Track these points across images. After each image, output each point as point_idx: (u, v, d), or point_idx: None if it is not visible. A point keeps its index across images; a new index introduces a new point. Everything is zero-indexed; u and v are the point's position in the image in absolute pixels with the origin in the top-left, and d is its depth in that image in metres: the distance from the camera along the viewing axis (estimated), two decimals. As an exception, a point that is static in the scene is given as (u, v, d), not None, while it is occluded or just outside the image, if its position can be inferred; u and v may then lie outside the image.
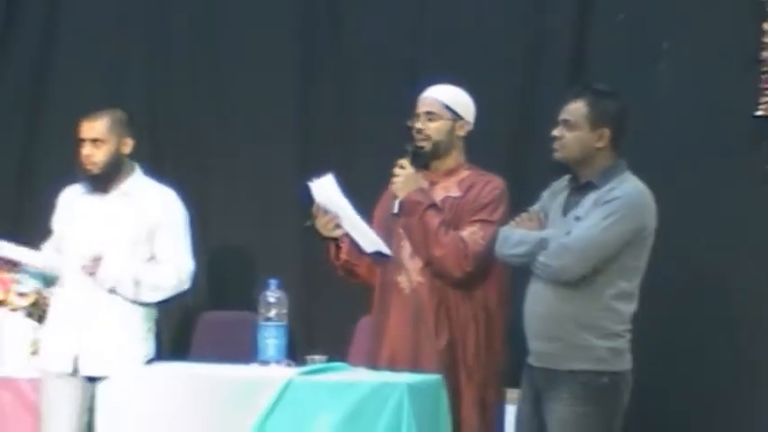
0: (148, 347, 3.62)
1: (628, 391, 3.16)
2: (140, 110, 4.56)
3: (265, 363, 3.21)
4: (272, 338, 3.23)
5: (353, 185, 3.40)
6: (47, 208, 3.90)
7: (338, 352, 3.45)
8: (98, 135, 3.55)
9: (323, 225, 3.31)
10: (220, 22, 4.86)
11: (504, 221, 3.17)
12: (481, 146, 3.36)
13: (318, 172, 3.35)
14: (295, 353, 3.35)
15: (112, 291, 3.52)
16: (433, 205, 3.20)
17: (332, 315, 3.98)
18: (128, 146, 3.61)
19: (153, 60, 4.97)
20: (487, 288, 3.28)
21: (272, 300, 3.24)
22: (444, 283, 3.23)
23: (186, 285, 3.65)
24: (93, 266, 3.49)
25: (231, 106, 4.75)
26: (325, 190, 3.27)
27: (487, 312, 3.27)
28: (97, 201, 3.61)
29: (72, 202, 3.71)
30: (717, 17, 4.07)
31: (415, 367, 3.18)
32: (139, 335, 3.61)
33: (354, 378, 3.22)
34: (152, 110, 4.82)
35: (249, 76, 4.68)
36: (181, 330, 4.36)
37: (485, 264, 3.19)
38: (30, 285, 3.92)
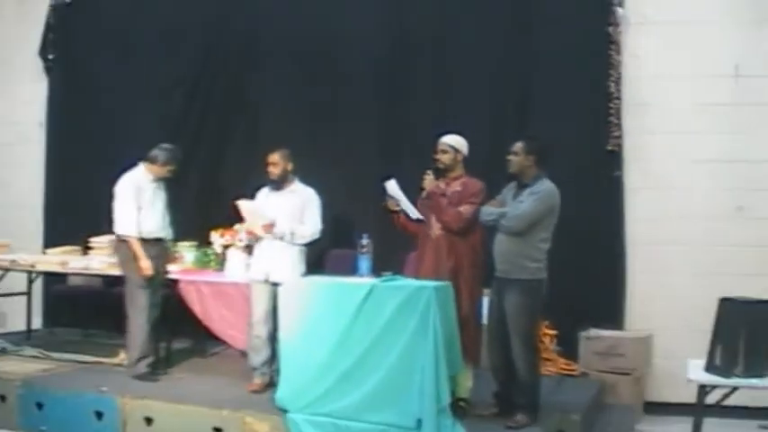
0: (302, 267, 6.75)
1: (544, 290, 5.79)
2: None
3: (361, 276, 6.04)
4: (364, 263, 6.16)
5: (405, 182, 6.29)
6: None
7: (398, 270, 6.26)
8: (275, 161, 6.76)
9: (390, 205, 6.24)
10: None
11: (483, 203, 5.94)
12: (476, 165, 6.30)
13: (389, 175, 6.29)
14: (376, 271, 6.15)
15: (281, 238, 6.67)
16: (443, 195, 6.06)
17: (395, 251, 6.79)
18: (290, 166, 6.79)
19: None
20: (473, 236, 6.07)
21: (364, 243, 6.16)
22: (451, 233, 6.02)
23: (318, 236, 6.78)
24: (269, 227, 6.63)
25: (338, 125, 8.10)
26: (392, 187, 6.19)
27: (474, 249, 6.08)
28: (277, 195, 6.80)
29: (263, 195, 6.89)
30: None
31: (437, 277, 5.87)
32: (297, 260, 6.78)
33: (407, 282, 5.79)
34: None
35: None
36: (320, 258, 7.54)
37: (471, 224, 6.00)
38: (245, 237, 7.28)
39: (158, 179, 7.27)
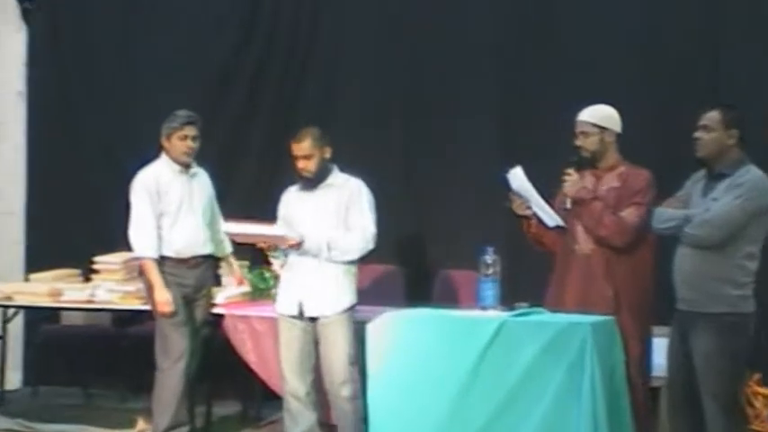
0: (351, 294, 7.06)
1: (752, 328, 5.86)
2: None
3: (484, 308, 6.18)
4: (490, 290, 6.23)
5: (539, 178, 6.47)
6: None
7: (538, 300, 6.35)
8: (307, 151, 7.01)
9: (517, 206, 6.46)
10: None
11: (652, 203, 6.09)
12: (640, 147, 6.50)
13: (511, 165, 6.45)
14: (505, 300, 6.25)
15: (315, 257, 6.94)
16: (596, 198, 6.22)
17: (532, 272, 6.91)
18: (328, 152, 7.06)
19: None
20: (641, 252, 6.26)
21: (489, 261, 6.22)
22: (609, 250, 6.20)
23: (372, 246, 7.02)
24: (298, 244, 6.91)
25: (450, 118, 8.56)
26: (518, 179, 6.38)
27: (642, 271, 6.26)
28: (307, 195, 7.08)
29: (290, 199, 7.17)
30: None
31: (585, 309, 6.02)
32: (343, 285, 7.04)
33: (551, 319, 5.97)
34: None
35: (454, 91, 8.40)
36: (426, 282, 7.97)
37: (639, 234, 6.16)
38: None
39: (186, 167, 7.62)
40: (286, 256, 7.16)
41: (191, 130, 7.50)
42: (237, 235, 7.30)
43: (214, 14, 9.89)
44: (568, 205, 6.36)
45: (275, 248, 7.22)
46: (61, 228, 10.00)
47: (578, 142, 6.39)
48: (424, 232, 8.59)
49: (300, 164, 7.03)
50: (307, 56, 9.54)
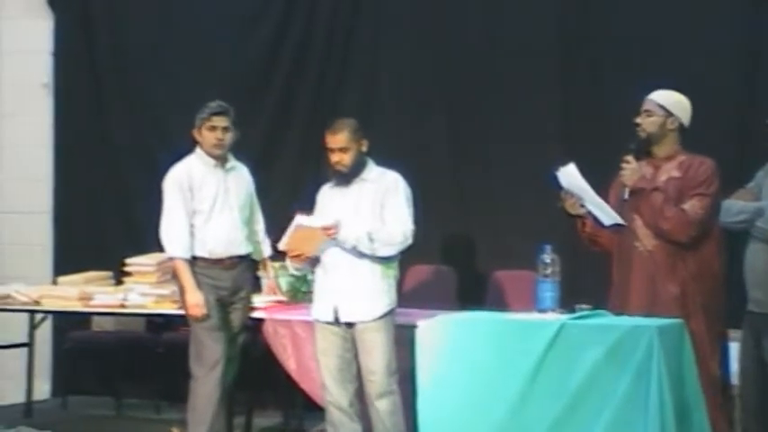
0: (390, 296, 6.99)
1: None
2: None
3: (543, 311, 6.07)
4: (548, 291, 6.10)
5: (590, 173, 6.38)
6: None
7: (601, 302, 6.26)
8: (344, 143, 6.94)
9: (570, 205, 6.40)
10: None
11: (717, 194, 6.02)
12: (708, 135, 6.45)
13: (564, 162, 6.38)
14: (564, 303, 6.12)
15: (354, 248, 6.87)
16: (656, 188, 6.13)
17: (594, 273, 6.85)
18: (365, 145, 7.00)
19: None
20: (708, 248, 6.14)
21: (547, 261, 6.09)
22: (673, 245, 6.09)
23: (410, 241, 6.93)
24: (334, 231, 6.82)
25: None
26: (570, 176, 6.32)
27: (710, 265, 6.14)
28: (342, 191, 7.02)
29: (325, 195, 7.13)
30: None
31: (651, 311, 5.94)
32: (381, 287, 6.96)
33: (614, 321, 5.88)
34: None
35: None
36: (478, 283, 7.92)
37: (704, 228, 6.06)
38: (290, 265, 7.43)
39: (222, 161, 7.60)
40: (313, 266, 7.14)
41: (220, 121, 7.47)
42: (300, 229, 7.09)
43: (249, 8, 9.90)
44: (626, 196, 6.27)
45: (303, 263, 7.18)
46: (91, 228, 10.13)
47: (639, 119, 6.33)
48: (475, 231, 8.57)
49: (335, 157, 6.97)
50: (346, 50, 9.61)
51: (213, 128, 7.45)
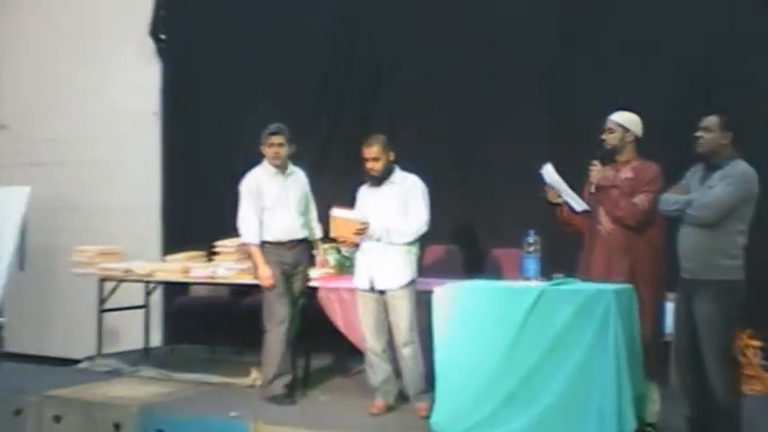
0: (411, 270, 6.95)
1: (743, 293, 5.77)
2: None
3: (528, 279, 6.12)
4: (531, 264, 6.17)
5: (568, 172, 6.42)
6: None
7: (571, 272, 6.27)
8: (377, 155, 6.93)
9: (551, 196, 6.45)
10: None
11: (661, 190, 5.99)
12: (653, 145, 6.36)
13: (545, 162, 6.44)
14: (545, 273, 6.18)
15: (378, 239, 6.89)
16: (614, 186, 6.17)
17: (566, 249, 6.68)
18: (392, 155, 6.97)
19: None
20: (652, 230, 6.17)
21: (531, 241, 6.17)
22: (626, 229, 6.14)
23: (425, 229, 6.91)
24: (362, 230, 6.85)
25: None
26: (550, 173, 6.38)
27: (653, 245, 6.17)
28: (375, 191, 7.01)
29: (362, 194, 7.11)
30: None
31: (608, 279, 5.99)
32: (404, 263, 6.93)
33: (581, 287, 5.89)
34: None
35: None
36: (480, 259, 7.87)
37: (650, 217, 6.08)
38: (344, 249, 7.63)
39: (284, 171, 7.61)
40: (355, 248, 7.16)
41: (276, 139, 7.49)
42: (337, 219, 7.07)
43: (305, 37, 9.84)
44: (593, 189, 6.35)
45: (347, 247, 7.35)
46: (189, 219, 10.09)
47: (604, 136, 6.39)
48: (477, 218, 8.48)
49: (369, 164, 6.98)
50: (377, 80, 9.50)
51: (272, 144, 7.49)
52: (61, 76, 11.51)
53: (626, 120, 6.37)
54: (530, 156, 7.83)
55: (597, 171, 6.35)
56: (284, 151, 7.52)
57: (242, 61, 10.01)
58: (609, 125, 6.38)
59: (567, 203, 6.47)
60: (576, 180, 6.50)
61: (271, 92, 9.61)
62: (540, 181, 6.48)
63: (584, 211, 6.44)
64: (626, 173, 6.32)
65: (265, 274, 7.45)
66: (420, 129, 8.84)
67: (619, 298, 5.72)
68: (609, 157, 6.39)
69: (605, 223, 6.32)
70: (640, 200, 6.17)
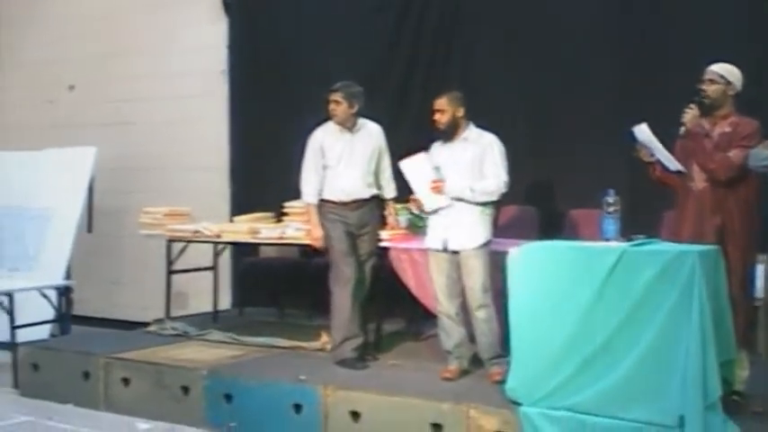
0: (487, 231, 6.89)
1: None
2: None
3: (607, 240, 5.99)
4: (611, 225, 6.05)
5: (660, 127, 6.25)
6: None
7: (653, 233, 6.16)
8: (442, 107, 6.87)
9: (643, 155, 6.31)
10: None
11: (756, 146, 5.81)
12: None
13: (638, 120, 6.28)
14: (625, 234, 6.04)
15: (459, 198, 6.80)
16: (707, 135, 6.06)
17: (649, 209, 6.63)
18: (460, 111, 6.87)
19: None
20: (746, 188, 6.00)
21: (610, 201, 6.06)
22: (718, 185, 6.00)
23: (504, 190, 6.84)
24: (439, 185, 6.79)
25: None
26: (643, 133, 6.22)
27: (747, 204, 5.99)
28: (449, 147, 6.93)
29: (435, 150, 7.02)
30: None
31: (700, 239, 5.85)
32: (480, 223, 6.87)
33: (664, 247, 5.74)
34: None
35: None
36: (557, 220, 7.75)
37: (742, 173, 5.91)
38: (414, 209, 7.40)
39: (350, 128, 7.53)
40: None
41: (334, 95, 7.43)
42: (410, 169, 7.11)
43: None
44: (682, 132, 6.21)
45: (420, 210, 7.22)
46: (257, 180, 10.12)
47: (703, 86, 6.17)
48: (555, 178, 8.31)
49: (435, 116, 6.92)
50: (450, 34, 9.31)
51: (328, 101, 7.42)
52: (128, 36, 11.61)
53: (728, 71, 6.17)
54: (607, 114, 7.84)
55: (692, 116, 6.17)
56: (341, 109, 7.44)
57: (310, 17, 9.95)
58: (709, 76, 6.17)
59: (659, 162, 6.31)
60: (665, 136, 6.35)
61: (340, 48, 9.53)
62: (632, 139, 6.33)
63: (678, 172, 6.27)
64: (723, 127, 6.14)
65: (316, 235, 7.55)
66: (496, 86, 8.68)
67: (704, 260, 5.53)
68: (707, 111, 6.19)
69: (698, 180, 6.18)
70: (735, 154, 5.99)
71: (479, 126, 7.01)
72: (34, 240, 10.64)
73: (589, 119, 8.14)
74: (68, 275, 10.14)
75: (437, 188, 6.88)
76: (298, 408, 6.81)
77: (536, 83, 8.44)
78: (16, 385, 8.47)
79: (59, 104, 12.19)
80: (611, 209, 6.13)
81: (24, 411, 7.83)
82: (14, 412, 7.82)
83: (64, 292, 9.61)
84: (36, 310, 9.15)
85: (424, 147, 7.17)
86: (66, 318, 9.68)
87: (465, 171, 6.88)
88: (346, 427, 6.62)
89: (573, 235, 7.40)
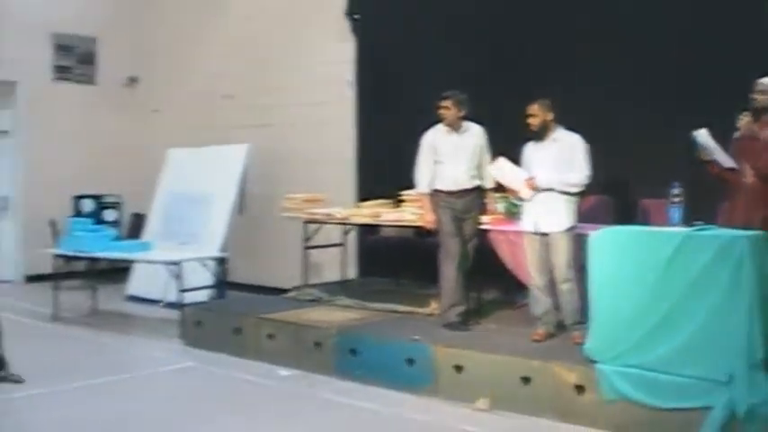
0: (572, 217, 6.90)
1: None
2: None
3: (673, 226, 6.03)
4: (676, 213, 6.10)
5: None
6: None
7: (711, 220, 6.12)
8: (534, 112, 6.92)
9: (703, 155, 6.31)
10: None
11: None
12: None
13: (704, 123, 6.34)
14: (688, 221, 6.08)
15: (549, 189, 6.85)
16: (756, 138, 6.08)
17: (707, 200, 6.53)
18: (550, 116, 6.93)
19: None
20: None
21: (676, 192, 6.10)
22: (764, 180, 6.05)
23: (587, 182, 6.87)
24: (531, 182, 6.87)
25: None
26: (703, 136, 6.26)
27: None
28: (540, 146, 6.98)
29: (528, 149, 7.08)
30: None
31: (748, 227, 5.81)
32: (566, 210, 6.89)
33: (719, 233, 5.73)
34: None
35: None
36: (630, 209, 7.78)
37: None
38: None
39: (457, 129, 7.58)
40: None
41: (444, 102, 7.53)
42: (502, 171, 7.20)
43: (477, 13, 9.58)
44: (737, 135, 6.34)
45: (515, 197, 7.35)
46: (379, 172, 10.12)
47: (755, 95, 6.21)
48: (629, 172, 8.18)
49: (528, 119, 6.99)
50: (545, 48, 9.13)
51: (439, 107, 7.51)
52: (273, 53, 11.83)
53: None
54: (674, 116, 7.71)
55: (746, 122, 6.24)
56: (451, 114, 7.53)
57: (421, 35, 9.92)
58: (759, 87, 6.20)
59: (716, 161, 6.32)
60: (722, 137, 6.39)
61: (446, 61, 9.48)
62: (694, 143, 6.36)
63: (731, 168, 6.29)
64: None
65: (429, 219, 7.65)
66: (579, 92, 8.52)
67: (752, 244, 5.56)
68: (758, 116, 6.22)
69: (749, 176, 6.20)
70: None
71: (566, 128, 7.04)
72: (198, 220, 10.98)
73: (658, 120, 8.03)
74: (224, 249, 10.38)
75: (530, 184, 6.96)
76: (411, 362, 6.92)
77: (614, 88, 8.32)
78: (183, 338, 8.74)
79: (219, 110, 12.43)
80: (676, 199, 6.17)
81: (189, 358, 8.12)
82: (181, 359, 8.14)
83: (220, 262, 9.81)
84: (198, 277, 9.41)
85: (519, 146, 7.22)
86: (222, 284, 9.89)
87: (554, 166, 6.91)
88: (451, 377, 6.72)
89: (643, 221, 7.39)
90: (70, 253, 9.72)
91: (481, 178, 7.68)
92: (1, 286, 12.26)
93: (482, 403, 6.43)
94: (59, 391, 6.96)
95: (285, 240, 10.53)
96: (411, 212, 8.44)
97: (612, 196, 8.23)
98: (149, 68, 13.68)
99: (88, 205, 12.62)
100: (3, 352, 7.07)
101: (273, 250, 11.40)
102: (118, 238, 10.37)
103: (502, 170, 7.19)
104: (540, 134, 7.01)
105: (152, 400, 6.85)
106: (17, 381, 6.99)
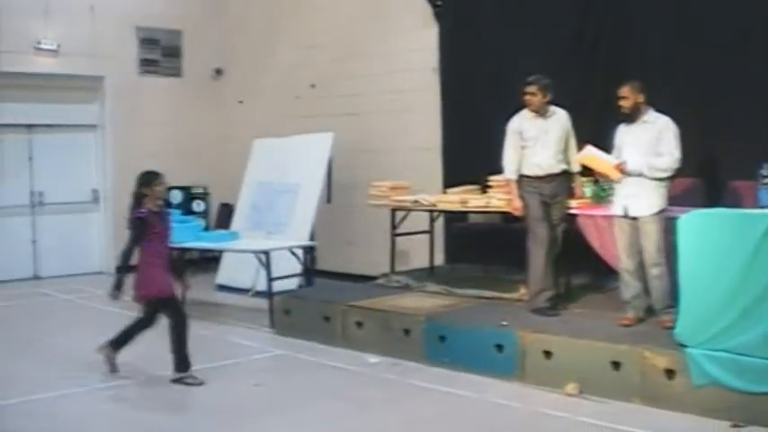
0: (661, 201, 6.90)
1: None
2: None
3: (763, 207, 6.05)
4: (765, 194, 6.12)
5: None
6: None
7: None
8: (625, 94, 6.93)
9: None
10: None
11: None
12: None
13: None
14: None
15: (639, 174, 6.87)
16: None
17: None
18: (641, 98, 6.91)
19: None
20: None
21: (766, 174, 6.10)
22: None
23: (677, 165, 6.86)
24: (620, 166, 6.88)
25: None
26: None
27: None
28: (631, 128, 7.00)
29: (620, 131, 7.10)
30: None
31: None
32: (655, 195, 6.89)
33: None
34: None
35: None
36: (719, 191, 7.77)
37: None
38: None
39: (543, 114, 7.65)
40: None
41: (529, 88, 7.60)
42: (589, 157, 7.26)
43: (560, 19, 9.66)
44: None
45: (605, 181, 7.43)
46: (466, 158, 10.17)
47: None
48: (719, 155, 8.16)
49: (620, 102, 7.01)
50: (627, 32, 9.13)
51: (524, 93, 7.59)
52: (357, 42, 12.01)
53: None
54: (762, 100, 7.77)
55: None
56: (536, 99, 7.59)
57: (506, 21, 9.99)
58: None
59: None
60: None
61: (532, 47, 9.52)
62: None
63: None
64: None
65: (516, 205, 7.74)
66: (668, 74, 8.50)
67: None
68: None
69: None
70: None
71: (657, 110, 7.05)
72: (285, 209, 11.19)
73: (747, 105, 7.98)
74: (312, 237, 10.59)
75: (620, 168, 6.99)
76: (499, 347, 7.02)
77: (702, 72, 8.31)
78: (272, 326, 8.96)
79: (304, 100, 12.66)
80: (766, 180, 6.17)
81: (279, 346, 8.33)
82: (271, 347, 8.34)
83: (309, 251, 10.01)
84: (287, 266, 9.63)
85: (607, 129, 7.27)
86: (310, 272, 10.12)
87: (645, 149, 6.93)
88: (540, 363, 6.80)
89: (733, 203, 7.29)
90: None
91: (568, 162, 7.73)
92: (93, 278, 12.64)
93: (571, 388, 6.50)
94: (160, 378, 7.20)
95: (372, 228, 10.70)
96: (498, 198, 8.50)
97: (702, 178, 8.20)
98: (234, 60, 14.01)
99: (176, 196, 13.01)
100: (186, 351, 7.08)
101: (361, 238, 11.58)
102: (206, 229, 10.62)
103: (591, 157, 7.24)
104: (631, 116, 7.03)
105: (250, 388, 7.01)
106: (200, 383, 7.00)
